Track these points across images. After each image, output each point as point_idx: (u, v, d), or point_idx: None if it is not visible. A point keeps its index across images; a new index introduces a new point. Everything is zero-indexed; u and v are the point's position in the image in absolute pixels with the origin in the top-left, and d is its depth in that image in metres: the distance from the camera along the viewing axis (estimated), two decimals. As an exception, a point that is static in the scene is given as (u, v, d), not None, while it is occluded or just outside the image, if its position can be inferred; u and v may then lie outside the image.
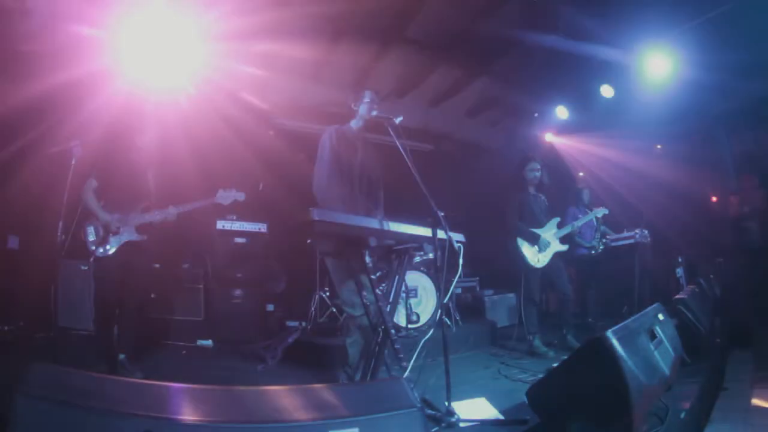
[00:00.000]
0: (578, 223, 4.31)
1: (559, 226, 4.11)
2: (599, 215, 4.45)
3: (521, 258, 3.97)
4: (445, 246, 2.19)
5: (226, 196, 3.25)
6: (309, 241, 3.87)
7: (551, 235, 4.02)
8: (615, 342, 1.72)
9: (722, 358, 3.08)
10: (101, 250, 2.97)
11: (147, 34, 3.99)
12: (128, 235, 3.03)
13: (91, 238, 2.99)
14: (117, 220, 3.00)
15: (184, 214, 3.16)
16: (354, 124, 2.84)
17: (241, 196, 3.31)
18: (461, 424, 2.14)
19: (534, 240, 3.95)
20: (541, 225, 4.06)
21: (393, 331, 2.37)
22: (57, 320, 3.13)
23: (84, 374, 1.12)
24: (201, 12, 4.06)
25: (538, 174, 4.11)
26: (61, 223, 2.45)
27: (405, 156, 2.33)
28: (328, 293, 4.88)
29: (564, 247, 4.08)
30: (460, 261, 2.33)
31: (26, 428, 0.97)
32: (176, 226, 3.23)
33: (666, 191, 6.04)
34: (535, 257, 3.94)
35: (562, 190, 5.33)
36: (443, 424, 2.09)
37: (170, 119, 3.43)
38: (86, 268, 4.00)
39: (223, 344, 4.31)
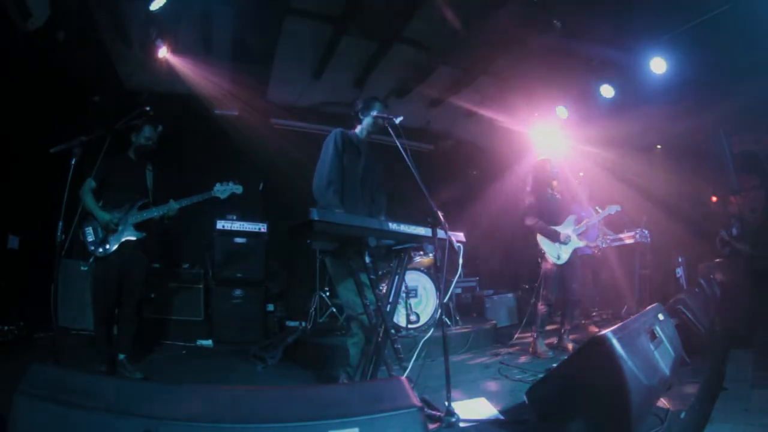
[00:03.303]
0: (596, 219, 4.30)
1: (576, 222, 4.09)
2: (612, 212, 4.42)
3: (542, 255, 3.96)
4: (445, 246, 2.18)
5: (224, 190, 3.23)
6: (309, 241, 3.85)
7: (571, 231, 4.00)
8: (615, 342, 1.72)
9: (722, 358, 3.07)
10: (101, 249, 2.98)
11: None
12: (127, 234, 3.03)
13: (90, 238, 3.00)
14: (115, 219, 3.00)
15: (184, 209, 3.14)
16: (359, 132, 2.81)
17: (238, 189, 3.28)
18: (461, 424, 2.13)
19: (554, 237, 3.94)
20: (558, 223, 4.04)
21: (393, 331, 2.36)
22: (57, 320, 3.13)
23: (84, 374, 1.12)
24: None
25: (556, 171, 4.13)
26: (61, 223, 2.44)
27: (405, 156, 2.32)
28: (328, 293, 4.88)
29: (582, 243, 4.07)
30: (460, 261, 2.32)
31: (26, 428, 0.97)
32: (176, 225, 3.22)
33: (666, 191, 6.05)
34: (556, 253, 3.92)
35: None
36: (443, 424, 2.09)
37: (169, 118, 3.43)
38: (86, 268, 4.01)
39: (223, 344, 4.31)
